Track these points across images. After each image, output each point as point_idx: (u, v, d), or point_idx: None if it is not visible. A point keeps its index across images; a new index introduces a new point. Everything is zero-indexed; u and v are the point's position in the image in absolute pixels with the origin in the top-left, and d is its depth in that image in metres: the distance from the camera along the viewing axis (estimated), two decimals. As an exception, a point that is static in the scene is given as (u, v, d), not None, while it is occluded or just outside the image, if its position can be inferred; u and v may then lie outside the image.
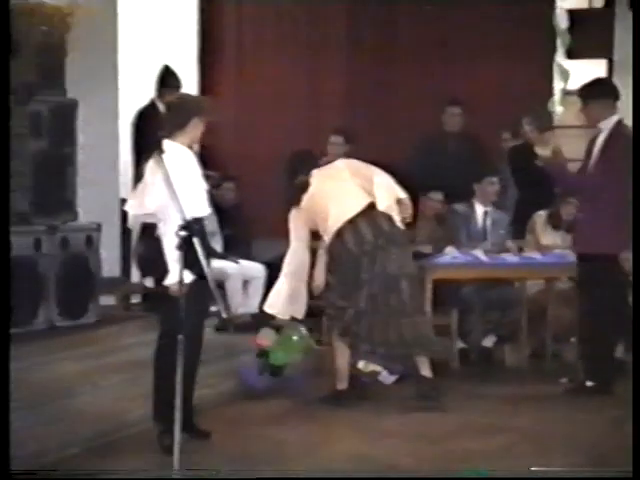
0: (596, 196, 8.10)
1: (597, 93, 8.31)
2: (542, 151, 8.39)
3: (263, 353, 8.20)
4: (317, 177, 8.07)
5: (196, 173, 6.68)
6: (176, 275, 5.92)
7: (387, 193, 7.97)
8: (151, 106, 9.82)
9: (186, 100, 7.21)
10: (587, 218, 8.25)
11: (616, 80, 12.02)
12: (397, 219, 7.93)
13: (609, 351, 8.34)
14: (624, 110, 11.44)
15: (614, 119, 8.23)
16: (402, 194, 8.02)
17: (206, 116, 6.81)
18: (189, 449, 5.87)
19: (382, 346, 7.92)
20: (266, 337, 8.23)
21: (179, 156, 6.53)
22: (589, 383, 8.20)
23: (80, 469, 6.13)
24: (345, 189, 7.97)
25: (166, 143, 6.47)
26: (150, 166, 6.38)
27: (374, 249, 7.83)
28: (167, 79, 9.86)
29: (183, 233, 5.59)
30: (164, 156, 6.31)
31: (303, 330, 8.39)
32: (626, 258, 7.90)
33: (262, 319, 9.09)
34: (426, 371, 7.90)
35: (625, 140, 8.10)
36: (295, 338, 8.32)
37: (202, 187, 6.71)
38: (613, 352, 8.42)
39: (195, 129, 6.74)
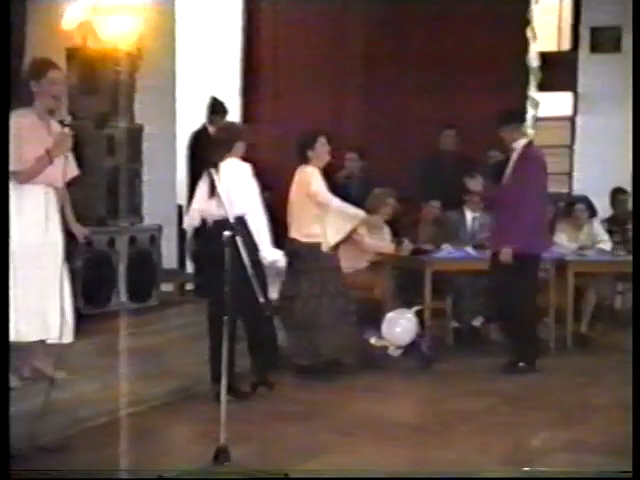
0: (505, 205, 8.01)
1: (507, 120, 8.13)
2: (473, 187, 8.36)
3: None
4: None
5: (250, 181, 6.96)
6: (275, 253, 7.03)
7: (336, 232, 7.80)
8: (203, 130, 9.82)
9: (230, 128, 7.39)
10: (498, 222, 8.19)
11: (581, 108, 12.18)
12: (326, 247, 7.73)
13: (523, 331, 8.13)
14: (593, 132, 11.60)
15: (523, 141, 8.09)
16: (350, 224, 7.81)
17: (246, 140, 7.10)
18: (234, 407, 5.86)
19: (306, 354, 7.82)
20: None
21: (235, 169, 6.86)
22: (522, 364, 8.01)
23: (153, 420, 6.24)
24: (297, 211, 7.86)
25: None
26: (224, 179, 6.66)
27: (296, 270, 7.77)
28: (215, 107, 9.86)
29: (228, 233, 5.54)
30: (223, 169, 6.69)
31: None
32: (506, 252, 7.84)
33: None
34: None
35: (529, 159, 8.00)
36: None
37: (254, 193, 6.98)
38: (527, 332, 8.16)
39: (238, 150, 7.01)
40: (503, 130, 8.12)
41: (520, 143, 8.08)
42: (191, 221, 7.08)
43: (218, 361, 5.83)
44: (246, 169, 6.99)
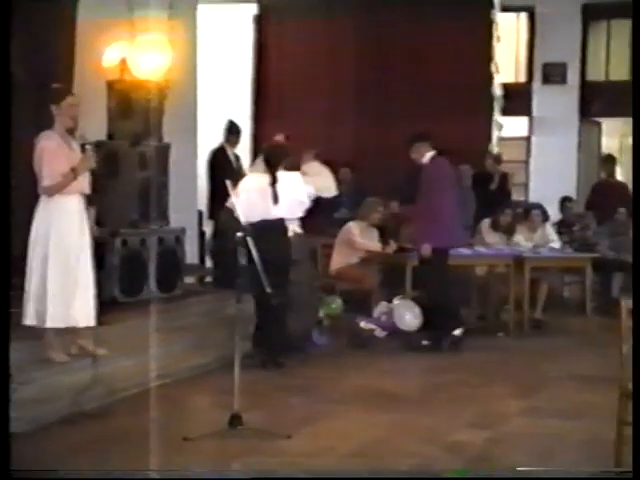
0: (419, 209, 7.98)
1: (413, 140, 7.96)
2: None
3: (319, 321, 8.14)
4: None
5: (301, 190, 7.13)
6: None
7: None
8: (221, 148, 9.77)
9: (281, 147, 7.52)
10: (416, 224, 8.14)
11: (535, 130, 12.26)
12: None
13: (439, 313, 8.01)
14: (546, 149, 11.58)
15: (429, 155, 7.90)
16: None
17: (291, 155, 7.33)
18: (245, 380, 5.71)
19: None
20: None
21: (292, 180, 7.09)
22: (424, 342, 7.92)
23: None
24: None
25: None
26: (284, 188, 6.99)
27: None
28: (232, 128, 9.81)
29: (240, 234, 5.43)
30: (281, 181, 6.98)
31: (337, 299, 8.47)
32: (424, 249, 7.78)
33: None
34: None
35: (435, 169, 7.82)
36: (333, 306, 8.37)
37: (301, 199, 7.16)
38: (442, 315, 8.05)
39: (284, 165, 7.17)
40: (411, 149, 7.96)
41: (427, 157, 7.92)
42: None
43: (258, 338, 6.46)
44: (299, 177, 7.16)
